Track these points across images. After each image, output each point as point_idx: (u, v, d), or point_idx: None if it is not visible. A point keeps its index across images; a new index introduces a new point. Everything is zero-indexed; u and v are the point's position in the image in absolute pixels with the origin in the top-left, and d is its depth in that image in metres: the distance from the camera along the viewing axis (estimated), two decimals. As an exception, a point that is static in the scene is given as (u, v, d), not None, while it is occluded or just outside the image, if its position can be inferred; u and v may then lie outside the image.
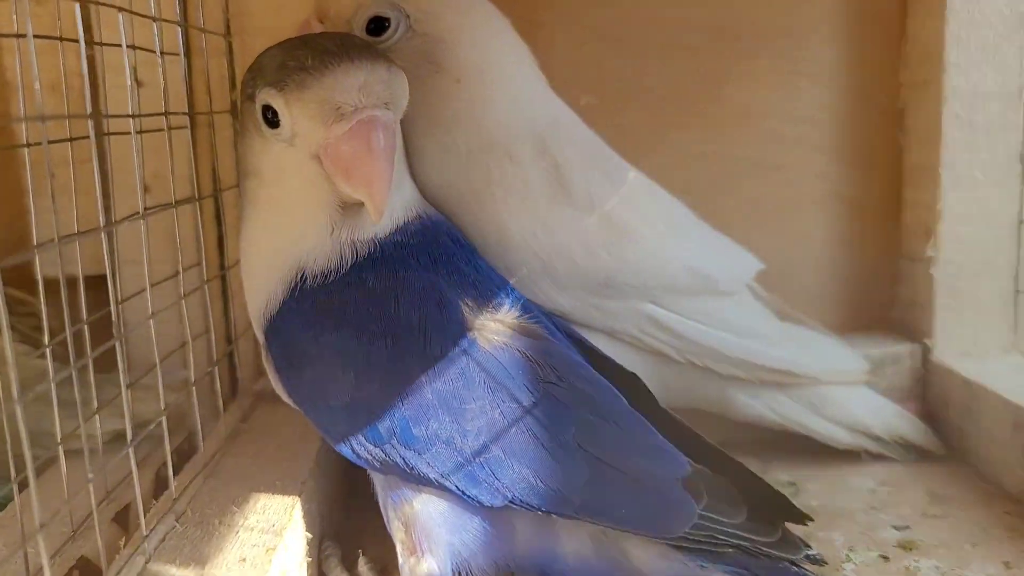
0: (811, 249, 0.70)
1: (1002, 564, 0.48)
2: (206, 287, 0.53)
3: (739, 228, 0.62)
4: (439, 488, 0.43)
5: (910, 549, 0.50)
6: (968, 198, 0.64)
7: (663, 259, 0.56)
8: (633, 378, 0.49)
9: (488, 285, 0.48)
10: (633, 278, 0.55)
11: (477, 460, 0.43)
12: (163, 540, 0.43)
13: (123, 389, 0.42)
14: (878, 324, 0.69)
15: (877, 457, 0.61)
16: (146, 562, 0.41)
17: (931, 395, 0.65)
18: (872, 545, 0.50)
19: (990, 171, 0.63)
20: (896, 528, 0.52)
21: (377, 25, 0.52)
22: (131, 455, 0.42)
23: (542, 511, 0.43)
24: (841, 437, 0.60)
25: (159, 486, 0.49)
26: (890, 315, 0.70)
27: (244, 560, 0.41)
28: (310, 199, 0.45)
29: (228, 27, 0.59)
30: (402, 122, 0.47)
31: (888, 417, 0.61)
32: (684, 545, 0.44)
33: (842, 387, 0.61)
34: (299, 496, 0.47)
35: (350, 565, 0.49)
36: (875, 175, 0.69)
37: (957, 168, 0.63)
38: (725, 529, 0.43)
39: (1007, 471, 0.56)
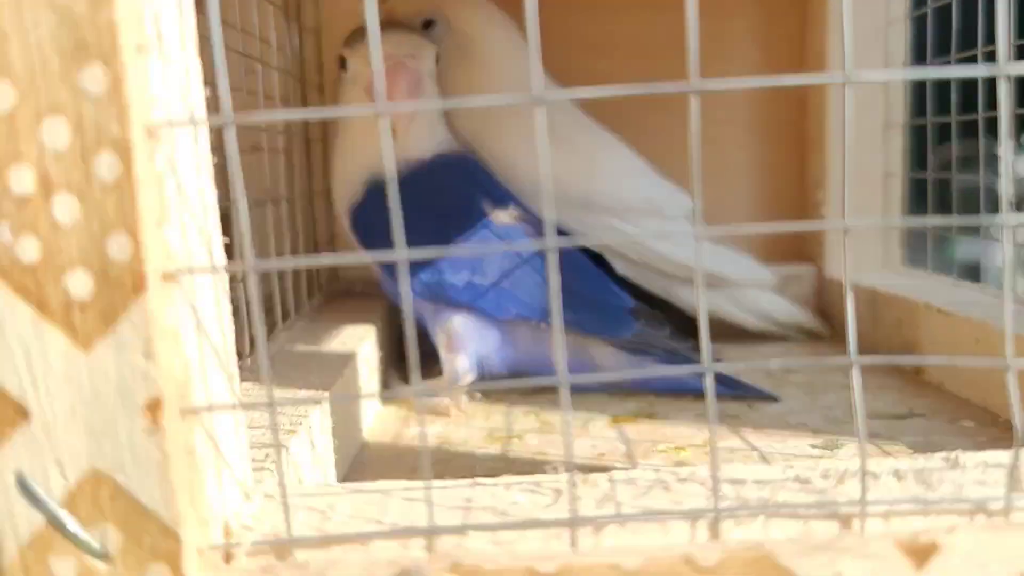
0: (738, 201, 0.94)
1: (843, 386, 0.70)
2: (298, 208, 0.77)
3: (685, 184, 0.85)
4: (468, 308, 0.67)
5: (780, 374, 0.73)
6: (847, 158, 0.87)
7: (625, 189, 0.80)
8: (599, 255, 0.73)
9: (500, 195, 0.72)
10: (602, 200, 0.79)
11: (493, 289, 0.66)
12: (291, 338, 0.66)
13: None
14: (788, 253, 0.93)
15: (780, 338, 0.84)
16: (284, 344, 0.64)
17: (824, 300, 0.89)
18: (757, 372, 0.73)
19: (863, 138, 0.87)
20: (775, 368, 0.75)
21: (427, 24, 0.77)
22: (277, 290, 0.65)
23: (533, 321, 0.66)
24: (753, 322, 0.83)
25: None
26: (797, 247, 0.93)
27: (344, 343, 0.64)
28: (368, 123, 0.68)
29: (320, 28, 0.84)
30: (442, 90, 0.71)
31: (787, 310, 0.84)
32: (628, 347, 0.67)
33: (753, 289, 0.84)
34: (373, 325, 0.70)
35: (403, 379, 0.72)
36: (784, 146, 0.93)
37: (839, 137, 0.87)
38: (655, 338, 0.67)
39: (861, 339, 0.79)
